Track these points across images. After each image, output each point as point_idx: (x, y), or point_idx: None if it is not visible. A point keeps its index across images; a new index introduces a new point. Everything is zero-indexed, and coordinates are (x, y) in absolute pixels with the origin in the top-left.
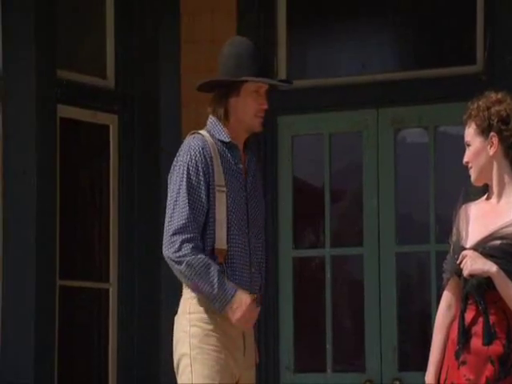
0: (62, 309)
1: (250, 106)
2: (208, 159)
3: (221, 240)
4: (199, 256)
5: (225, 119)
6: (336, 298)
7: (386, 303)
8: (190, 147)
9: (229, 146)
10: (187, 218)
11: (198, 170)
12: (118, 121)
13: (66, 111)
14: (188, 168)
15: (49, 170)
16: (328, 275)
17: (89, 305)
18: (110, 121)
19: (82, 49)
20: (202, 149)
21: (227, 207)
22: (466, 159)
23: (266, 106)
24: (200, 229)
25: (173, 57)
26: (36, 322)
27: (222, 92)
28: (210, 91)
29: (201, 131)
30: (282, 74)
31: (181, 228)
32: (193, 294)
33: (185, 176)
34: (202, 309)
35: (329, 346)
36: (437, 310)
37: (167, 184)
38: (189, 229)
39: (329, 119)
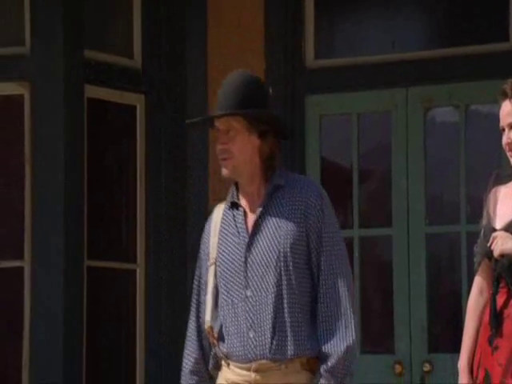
0: (89, 289)
1: None
2: (206, 241)
3: (206, 318)
4: (185, 362)
5: None
6: (364, 280)
7: (415, 284)
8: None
9: (233, 206)
10: (191, 311)
11: (200, 260)
12: (145, 101)
13: (93, 91)
14: (198, 257)
15: (76, 150)
16: (356, 256)
17: (116, 285)
18: (137, 101)
19: (110, 29)
20: (205, 231)
21: (214, 278)
22: (510, 140)
23: (219, 146)
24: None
25: (200, 36)
26: (64, 302)
27: None
28: None
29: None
30: (310, 53)
31: (189, 320)
32: None
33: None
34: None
35: (357, 328)
36: (467, 291)
37: (195, 165)
38: (190, 321)
39: (357, 99)
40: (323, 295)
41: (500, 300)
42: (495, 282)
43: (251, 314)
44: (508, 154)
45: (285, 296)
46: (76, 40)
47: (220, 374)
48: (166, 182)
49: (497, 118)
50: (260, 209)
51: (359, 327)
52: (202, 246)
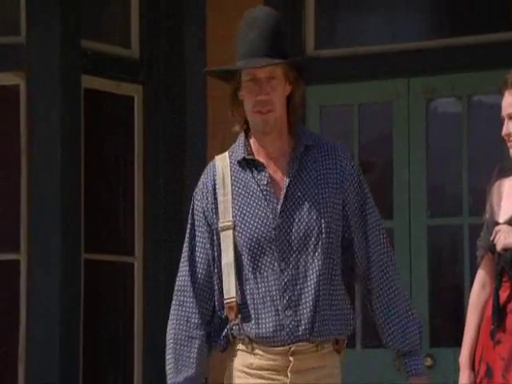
0: (87, 282)
1: (247, 100)
2: (209, 195)
3: (228, 291)
4: (175, 328)
5: (245, 125)
6: None
7: (416, 277)
8: (199, 183)
9: (248, 163)
10: (184, 277)
11: (199, 215)
12: (143, 91)
13: (90, 81)
14: (192, 213)
15: (73, 141)
16: None
17: (114, 279)
18: (135, 91)
19: (107, 18)
20: (205, 184)
21: (235, 247)
22: (508, 131)
23: (261, 97)
24: (201, 286)
25: (199, 25)
26: (61, 296)
27: (231, 88)
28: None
29: (228, 150)
30: (310, 43)
31: (177, 288)
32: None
33: (189, 224)
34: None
35: (358, 321)
36: (469, 285)
37: (194, 155)
38: (184, 291)
39: (358, 89)
40: (379, 281)
41: (503, 294)
42: (498, 276)
43: (288, 291)
44: (508, 144)
45: (327, 271)
46: (73, 30)
47: (236, 359)
48: (165, 174)
49: (500, 109)
50: (291, 171)
51: (360, 321)
52: (201, 203)
